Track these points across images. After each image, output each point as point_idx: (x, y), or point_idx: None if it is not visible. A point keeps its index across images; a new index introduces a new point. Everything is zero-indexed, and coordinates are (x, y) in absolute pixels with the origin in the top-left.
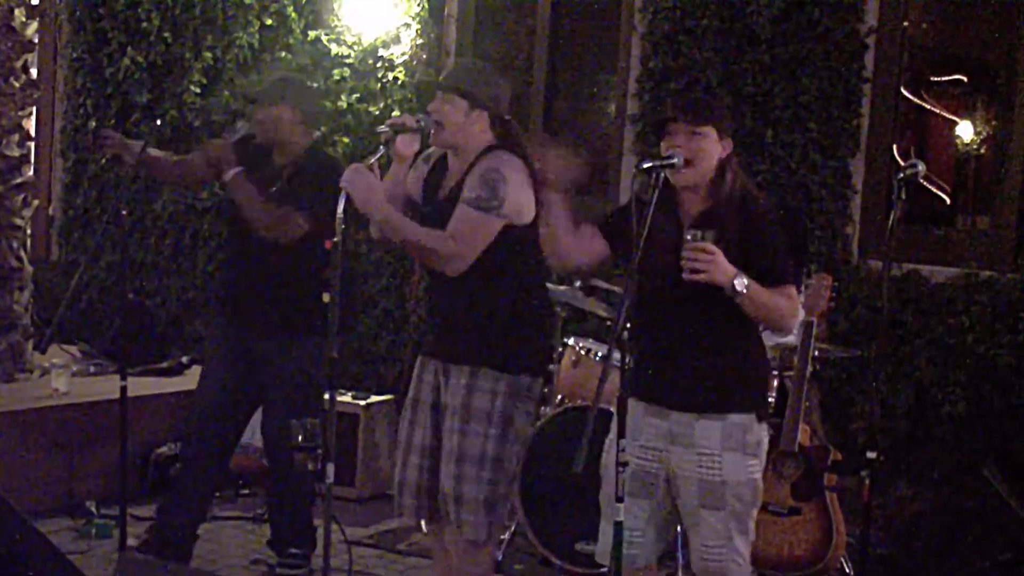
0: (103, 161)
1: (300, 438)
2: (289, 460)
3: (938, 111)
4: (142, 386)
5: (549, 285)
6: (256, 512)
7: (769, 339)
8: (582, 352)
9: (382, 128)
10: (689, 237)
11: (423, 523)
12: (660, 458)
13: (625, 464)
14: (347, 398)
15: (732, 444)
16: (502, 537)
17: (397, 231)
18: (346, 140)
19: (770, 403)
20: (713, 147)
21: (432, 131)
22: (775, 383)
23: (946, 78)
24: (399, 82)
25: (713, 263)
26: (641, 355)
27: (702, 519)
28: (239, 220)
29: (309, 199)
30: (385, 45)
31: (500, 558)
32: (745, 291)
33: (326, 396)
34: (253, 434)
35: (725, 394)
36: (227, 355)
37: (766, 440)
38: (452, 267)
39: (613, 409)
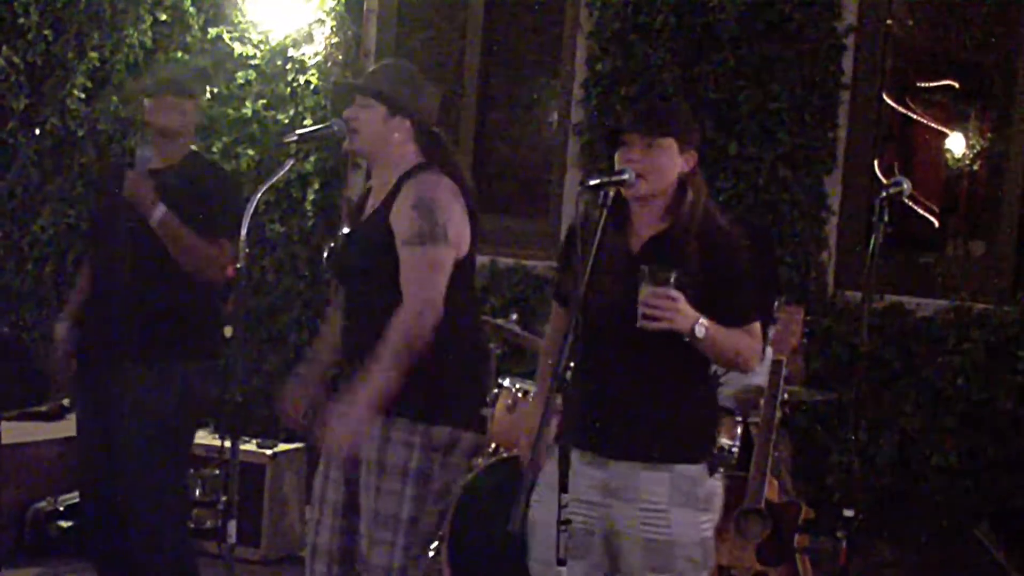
0: None
1: (198, 492)
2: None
3: (926, 121)
4: (18, 432)
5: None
6: None
7: (737, 381)
8: (519, 395)
9: (291, 138)
10: (646, 282)
11: None
12: (598, 513)
13: (567, 523)
14: (251, 446)
15: (681, 498)
16: None
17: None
18: (251, 152)
19: (733, 454)
20: (671, 161)
21: (347, 137)
22: (739, 431)
23: (935, 84)
24: (311, 86)
25: (673, 311)
26: (580, 397)
27: None
28: (112, 245)
29: (224, 219)
30: (296, 44)
31: None
32: (704, 337)
33: (227, 444)
34: None
35: (673, 442)
36: (94, 401)
37: (719, 494)
38: (427, 323)
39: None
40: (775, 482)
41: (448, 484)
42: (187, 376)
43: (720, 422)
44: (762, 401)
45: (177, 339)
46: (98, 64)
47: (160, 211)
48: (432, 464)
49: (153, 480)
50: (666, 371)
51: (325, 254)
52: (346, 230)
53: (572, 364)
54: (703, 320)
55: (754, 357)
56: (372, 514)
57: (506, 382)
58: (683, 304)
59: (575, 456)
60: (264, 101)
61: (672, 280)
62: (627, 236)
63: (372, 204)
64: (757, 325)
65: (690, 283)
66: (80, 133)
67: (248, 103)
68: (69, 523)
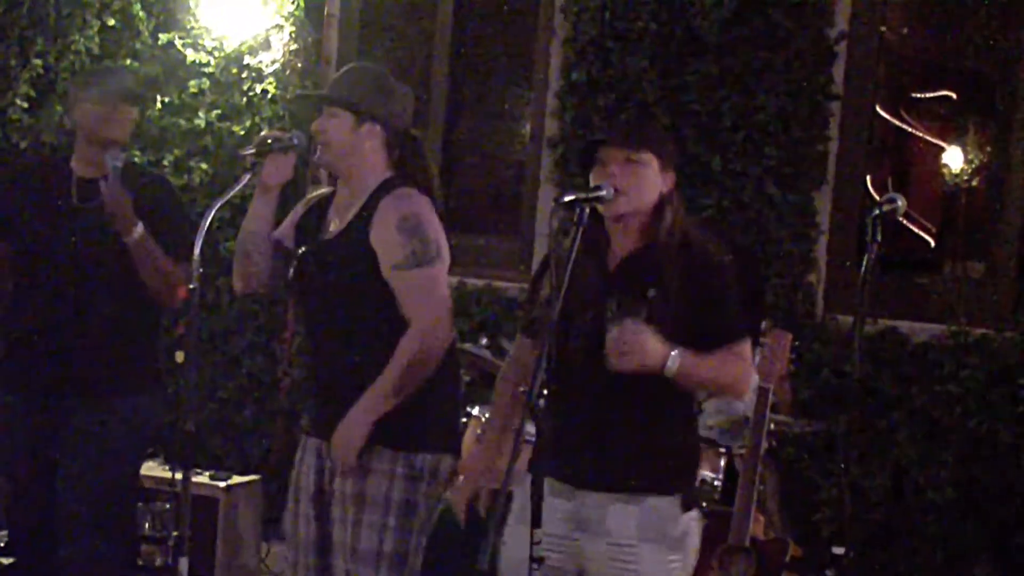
0: None
1: (147, 527)
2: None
3: (921, 134)
4: None
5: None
6: None
7: (717, 412)
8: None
9: (248, 150)
10: (614, 315)
11: None
12: (567, 548)
13: (540, 560)
14: (204, 478)
15: (651, 534)
16: None
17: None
18: (204, 166)
19: (717, 487)
20: (653, 178)
21: (317, 150)
22: (723, 463)
23: (931, 94)
24: (269, 96)
25: (640, 349)
26: (551, 425)
27: None
28: (55, 266)
29: (184, 240)
30: (252, 51)
31: None
32: (678, 372)
33: (178, 476)
34: None
35: (644, 472)
36: (31, 433)
37: (696, 533)
38: (439, 341)
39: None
40: (761, 517)
41: (430, 513)
42: (135, 407)
43: (701, 454)
44: (747, 431)
45: (124, 369)
46: (42, 72)
47: (139, 229)
48: (416, 493)
49: (99, 514)
50: (639, 398)
51: (291, 272)
52: (302, 250)
53: (544, 392)
54: (675, 353)
55: (742, 381)
56: (350, 551)
57: (475, 410)
58: (648, 341)
59: (546, 486)
60: (218, 111)
61: (639, 313)
62: (603, 256)
63: (339, 218)
64: (746, 346)
65: (668, 302)
66: (23, 145)
67: (201, 113)
68: (10, 559)
